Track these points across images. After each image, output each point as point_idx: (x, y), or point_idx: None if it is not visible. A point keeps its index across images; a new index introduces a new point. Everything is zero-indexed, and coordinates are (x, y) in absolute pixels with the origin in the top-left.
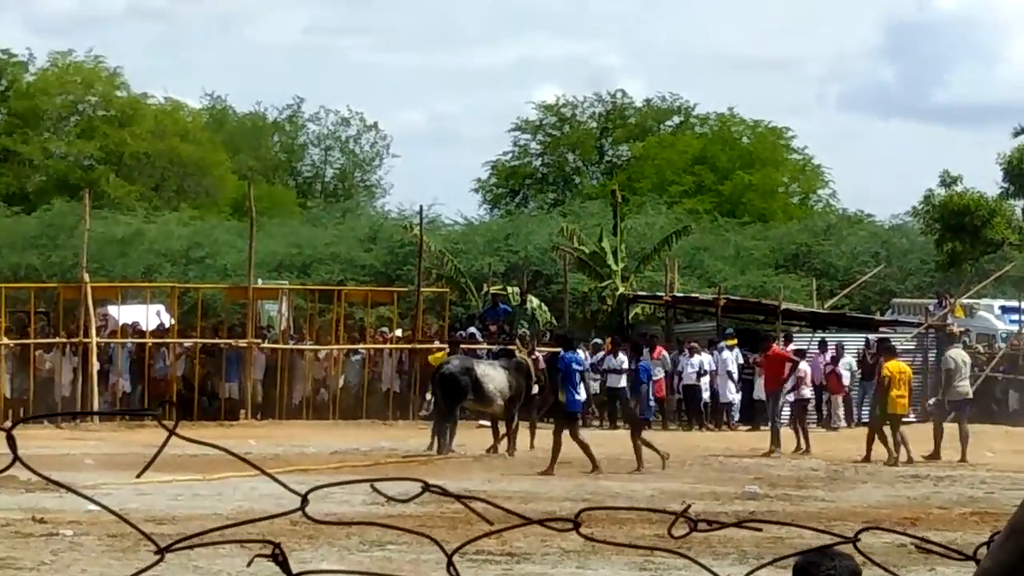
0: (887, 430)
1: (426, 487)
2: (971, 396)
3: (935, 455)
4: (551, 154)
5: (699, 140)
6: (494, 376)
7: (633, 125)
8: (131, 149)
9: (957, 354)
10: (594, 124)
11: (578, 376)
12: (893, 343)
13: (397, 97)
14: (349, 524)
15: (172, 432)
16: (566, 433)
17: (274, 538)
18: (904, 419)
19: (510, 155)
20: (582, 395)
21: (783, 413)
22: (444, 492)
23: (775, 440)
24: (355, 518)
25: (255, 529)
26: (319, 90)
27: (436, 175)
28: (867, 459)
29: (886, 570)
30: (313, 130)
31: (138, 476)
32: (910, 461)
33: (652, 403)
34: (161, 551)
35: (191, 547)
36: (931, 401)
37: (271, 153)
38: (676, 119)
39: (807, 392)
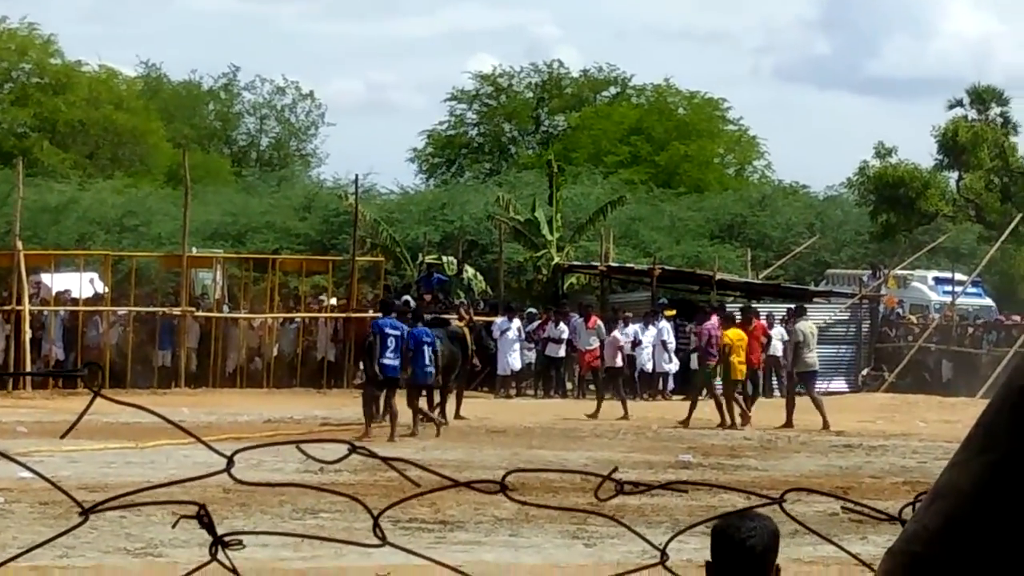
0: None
1: (352, 449)
2: (817, 368)
3: (788, 424)
4: (487, 124)
5: (635, 111)
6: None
7: (569, 95)
8: (65, 117)
9: (805, 326)
10: (530, 94)
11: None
12: (733, 313)
13: (332, 66)
14: (277, 486)
15: (97, 393)
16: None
17: (206, 504)
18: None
19: (446, 125)
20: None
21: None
22: (371, 454)
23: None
24: (263, 479)
25: (185, 496)
26: (255, 59)
27: (371, 144)
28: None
29: (812, 531)
30: (248, 99)
31: (62, 437)
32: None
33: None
34: (85, 512)
35: (116, 508)
36: (864, 372)
37: (206, 121)
38: (613, 90)
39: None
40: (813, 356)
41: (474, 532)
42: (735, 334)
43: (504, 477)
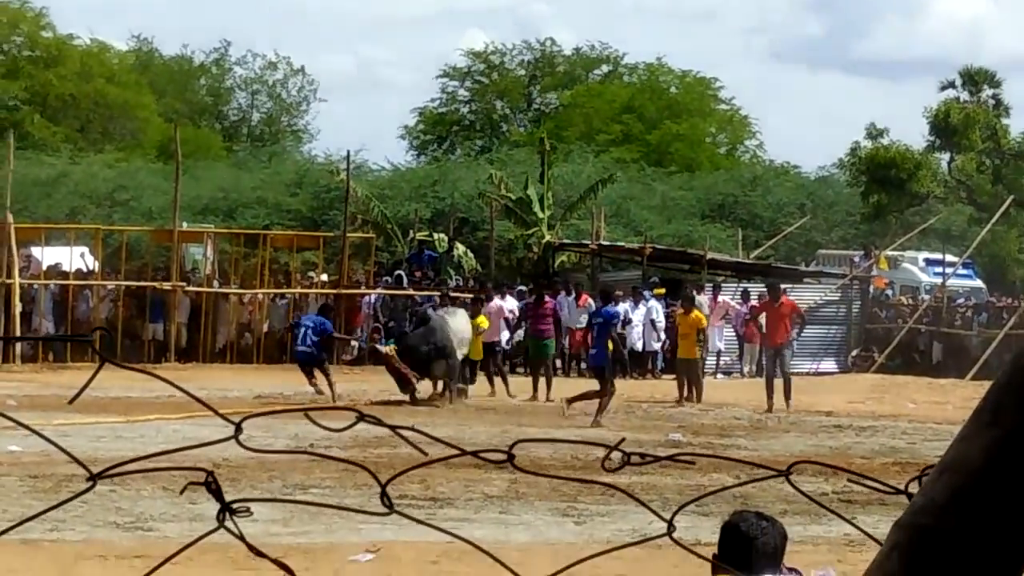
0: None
1: (360, 417)
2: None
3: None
4: (479, 101)
5: (627, 89)
6: (456, 329)
7: (562, 73)
8: (56, 90)
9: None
10: (522, 72)
11: (607, 331)
12: (692, 294)
13: (324, 42)
14: (285, 452)
15: (105, 359)
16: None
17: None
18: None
19: (438, 102)
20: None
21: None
22: (379, 422)
23: (788, 393)
24: (250, 459)
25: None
26: (246, 34)
27: (363, 121)
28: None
29: (818, 503)
30: (240, 74)
31: (70, 402)
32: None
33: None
34: (93, 477)
35: (123, 474)
36: (854, 353)
37: (197, 96)
38: (605, 68)
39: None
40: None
41: (464, 509)
42: (691, 317)
43: (511, 447)
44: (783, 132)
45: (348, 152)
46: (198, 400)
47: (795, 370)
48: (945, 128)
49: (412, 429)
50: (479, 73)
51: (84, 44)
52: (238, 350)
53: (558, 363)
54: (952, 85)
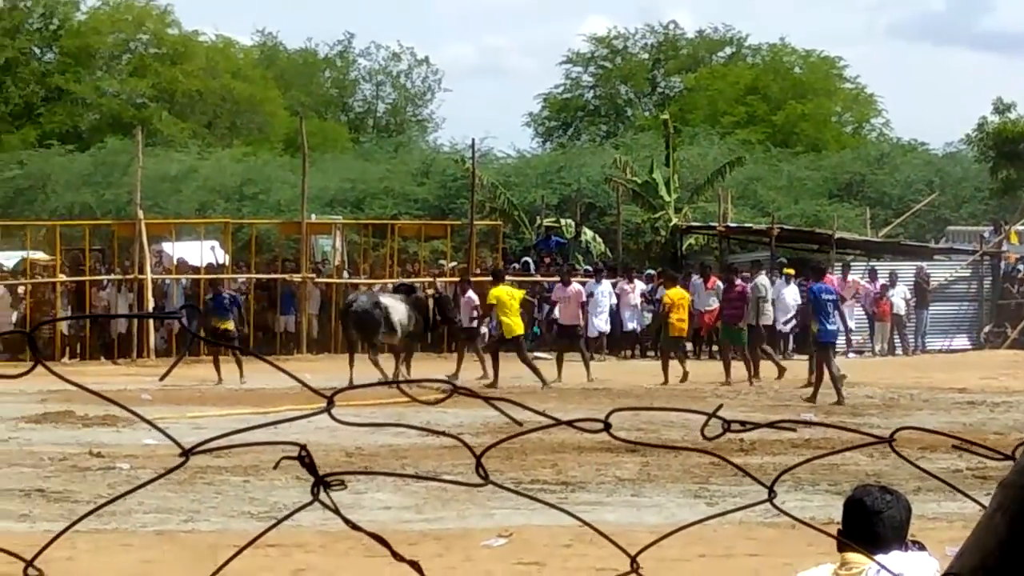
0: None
1: (454, 388)
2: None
3: (780, 375)
4: (603, 86)
5: (751, 71)
6: (398, 308)
7: (685, 56)
8: (183, 87)
9: (765, 281)
10: (646, 56)
11: (831, 306)
12: (675, 273)
13: (446, 31)
14: (376, 426)
15: (194, 336)
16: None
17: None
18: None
19: (561, 88)
20: (835, 325)
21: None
22: (472, 394)
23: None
24: (382, 447)
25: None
26: (369, 25)
27: (487, 109)
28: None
29: (921, 469)
30: (364, 65)
31: (161, 379)
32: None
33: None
34: (185, 453)
35: (216, 449)
36: (986, 329)
37: (323, 89)
38: (728, 50)
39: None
40: (771, 309)
41: (596, 493)
42: (676, 294)
43: (608, 415)
44: (909, 109)
45: (473, 140)
46: (305, 385)
47: (928, 347)
48: None
49: (508, 400)
50: (602, 58)
51: (209, 40)
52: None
53: (689, 345)
54: None
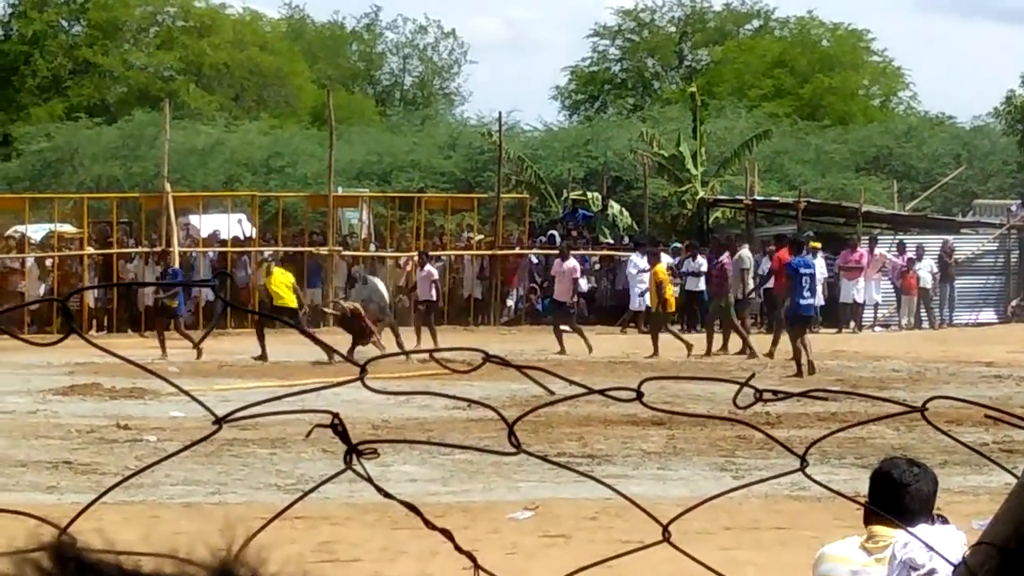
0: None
1: (487, 357)
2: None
3: (724, 348)
4: (630, 59)
5: (778, 44)
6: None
7: (712, 29)
8: (210, 60)
9: (747, 254)
10: (673, 29)
11: (807, 280)
12: (660, 251)
13: (473, 4)
14: (407, 394)
15: (227, 304)
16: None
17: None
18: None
19: (588, 61)
20: (809, 300)
21: None
22: (504, 363)
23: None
24: (409, 420)
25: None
26: None
27: (514, 82)
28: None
29: (953, 438)
30: (391, 38)
31: (195, 347)
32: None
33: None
34: (219, 420)
35: (249, 417)
36: (1013, 303)
37: (349, 62)
38: (755, 23)
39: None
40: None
41: (622, 466)
42: (663, 270)
43: (640, 384)
44: (936, 83)
45: (500, 113)
46: (339, 353)
47: (955, 321)
48: None
49: (540, 369)
50: (629, 31)
51: (236, 13)
52: (395, 312)
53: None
54: None
